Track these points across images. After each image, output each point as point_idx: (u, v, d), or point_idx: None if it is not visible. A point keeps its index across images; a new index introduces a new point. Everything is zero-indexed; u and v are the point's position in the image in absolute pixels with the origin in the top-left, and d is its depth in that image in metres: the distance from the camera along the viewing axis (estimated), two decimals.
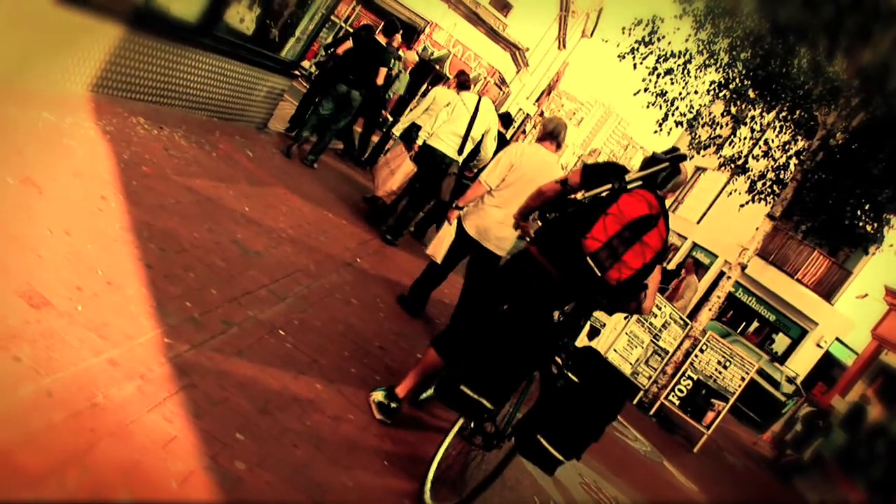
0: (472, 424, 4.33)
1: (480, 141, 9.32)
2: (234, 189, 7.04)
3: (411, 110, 11.63)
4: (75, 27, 6.00)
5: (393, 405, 4.76)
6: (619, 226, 4.02)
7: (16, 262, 3.58)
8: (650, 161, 4.39)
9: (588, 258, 4.01)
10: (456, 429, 4.45)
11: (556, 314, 4.28)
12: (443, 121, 9.27)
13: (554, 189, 4.65)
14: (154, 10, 7.29)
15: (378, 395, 4.79)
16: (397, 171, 9.50)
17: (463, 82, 11.07)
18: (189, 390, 3.60)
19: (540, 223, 4.58)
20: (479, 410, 4.02)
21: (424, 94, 11.96)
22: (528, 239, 4.84)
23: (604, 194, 4.19)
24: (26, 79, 5.87)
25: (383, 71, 10.89)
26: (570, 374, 3.93)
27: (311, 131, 10.64)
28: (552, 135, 6.62)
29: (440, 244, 7.02)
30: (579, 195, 4.31)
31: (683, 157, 4.36)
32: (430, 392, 4.99)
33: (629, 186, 4.16)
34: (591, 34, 47.38)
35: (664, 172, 4.27)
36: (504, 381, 4.04)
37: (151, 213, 5.23)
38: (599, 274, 4.02)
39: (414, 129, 10.51)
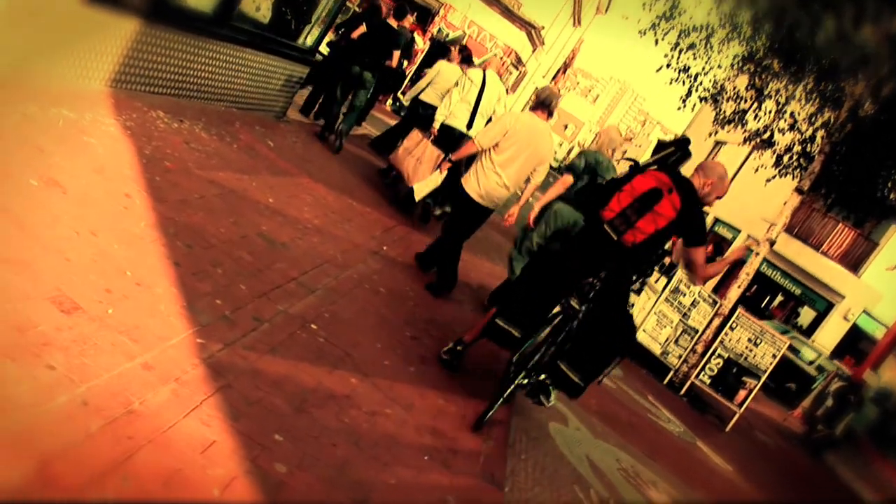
0: (514, 360, 5.18)
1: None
2: (256, 180, 6.95)
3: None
4: (91, 22, 5.92)
5: (459, 348, 5.59)
6: (630, 198, 4.84)
7: (44, 267, 3.50)
8: (658, 147, 5.17)
9: (605, 225, 4.87)
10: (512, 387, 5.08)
11: (592, 280, 5.01)
12: (457, 100, 9.51)
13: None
14: (170, 1, 7.20)
15: (447, 346, 5.63)
16: (423, 158, 9.35)
17: (466, 56, 11.15)
18: (225, 391, 3.52)
19: None
20: (510, 338, 5.05)
21: None
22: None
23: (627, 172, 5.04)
24: (44, 76, 5.79)
25: (397, 53, 10.89)
26: (585, 315, 4.92)
27: (345, 119, 10.70)
28: (544, 104, 7.03)
29: (424, 187, 7.89)
30: None
31: (688, 141, 5.11)
32: (490, 415, 5.04)
33: (644, 168, 5.00)
34: (606, 10, 46.92)
35: (674, 156, 5.03)
36: (527, 316, 5.05)
37: (176, 209, 5.15)
38: (615, 238, 4.85)
39: (421, 105, 10.73)
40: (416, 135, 9.72)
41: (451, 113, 9.68)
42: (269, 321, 4.52)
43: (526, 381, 5.09)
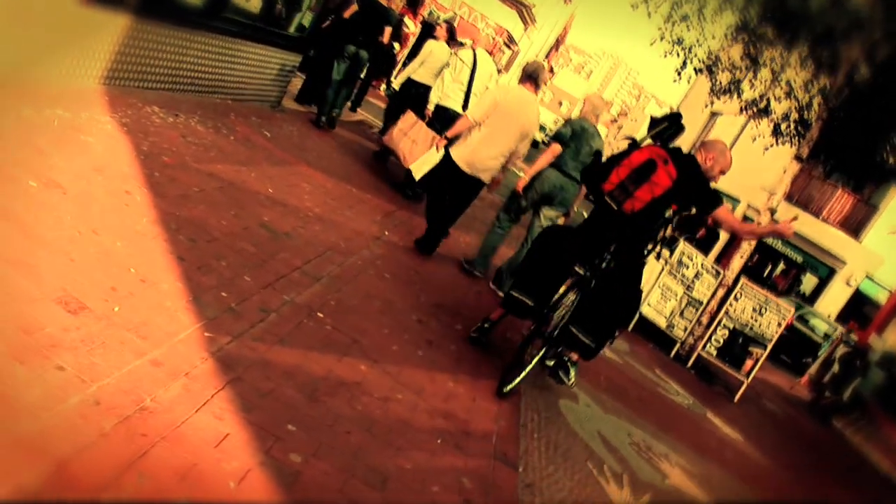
0: (533, 329, 5.53)
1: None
2: (255, 171, 6.93)
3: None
4: (82, 20, 5.89)
5: (486, 325, 6.05)
6: (628, 170, 5.24)
7: (48, 268, 3.49)
8: (652, 123, 5.61)
9: (606, 197, 5.29)
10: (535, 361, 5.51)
11: (606, 257, 5.38)
12: (449, 81, 9.65)
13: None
14: None
15: (476, 325, 6.10)
16: (419, 139, 9.33)
17: (451, 32, 11.27)
18: (235, 384, 3.51)
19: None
20: (524, 307, 5.37)
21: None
22: None
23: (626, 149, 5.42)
24: (37, 76, 5.76)
25: (388, 30, 11.14)
26: (594, 284, 5.28)
27: (335, 99, 10.83)
28: (531, 77, 7.48)
29: (422, 166, 7.88)
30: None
31: (680, 116, 5.59)
32: (514, 383, 5.41)
33: (642, 144, 5.40)
34: None
35: (668, 131, 5.49)
36: (537, 285, 5.37)
37: (177, 204, 5.13)
38: (616, 207, 5.24)
39: (413, 86, 10.79)
40: (410, 116, 9.68)
41: (445, 94, 9.78)
42: (275, 311, 4.51)
43: (551, 361, 5.60)
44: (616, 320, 5.39)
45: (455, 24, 12.51)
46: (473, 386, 5.23)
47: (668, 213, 5.55)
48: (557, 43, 45.76)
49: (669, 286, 11.04)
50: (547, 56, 44.89)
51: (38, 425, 2.61)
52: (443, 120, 9.34)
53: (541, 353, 5.52)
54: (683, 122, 5.45)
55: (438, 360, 5.32)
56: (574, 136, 7.57)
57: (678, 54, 13.07)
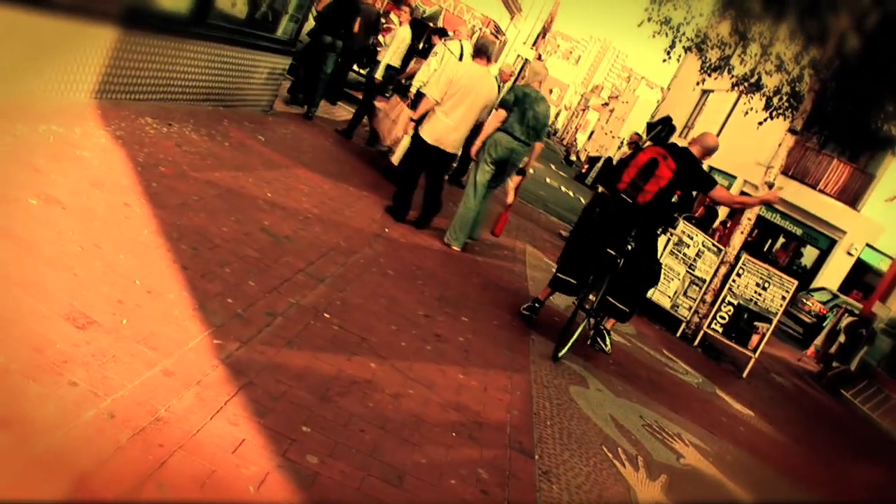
0: (577, 304, 6.81)
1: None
2: (252, 176, 6.93)
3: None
4: (69, 35, 5.87)
5: (536, 305, 7.21)
6: (635, 170, 6.57)
7: (54, 284, 3.49)
8: (649, 128, 7.19)
9: (622, 194, 6.61)
10: (580, 330, 6.87)
11: (629, 239, 6.63)
12: (434, 69, 9.75)
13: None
14: (146, 7, 7.14)
15: (527, 304, 7.26)
16: (398, 120, 10.02)
17: (412, 11, 12.34)
18: (248, 389, 3.52)
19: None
20: (570, 286, 6.92)
21: (422, 53, 11.99)
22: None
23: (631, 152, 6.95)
24: (28, 93, 5.75)
25: (358, 21, 11.77)
26: (622, 262, 6.57)
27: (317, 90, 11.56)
28: (482, 51, 8.20)
29: (400, 152, 9.35)
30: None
31: (670, 118, 7.24)
32: (566, 349, 6.59)
33: (644, 146, 6.81)
34: None
35: (662, 132, 7.00)
36: (578, 267, 6.86)
37: (177, 213, 5.13)
38: (631, 201, 6.56)
39: (388, 70, 11.73)
40: (395, 100, 10.49)
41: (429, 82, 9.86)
42: (282, 315, 4.52)
43: (592, 331, 7.37)
44: (644, 289, 6.98)
45: (442, 17, 12.66)
46: (484, 377, 5.23)
47: (674, 198, 6.88)
48: (544, 30, 45.58)
49: (672, 266, 11.04)
50: (534, 44, 44.73)
51: (54, 442, 2.61)
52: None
53: (584, 323, 6.96)
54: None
55: (447, 354, 5.33)
56: (518, 101, 8.13)
57: (666, 34, 13.04)
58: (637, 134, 6.75)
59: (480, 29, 27.55)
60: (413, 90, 10.05)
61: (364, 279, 5.92)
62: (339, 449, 3.44)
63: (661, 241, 11.10)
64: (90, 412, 2.80)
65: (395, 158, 9.68)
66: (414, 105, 9.62)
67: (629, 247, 6.60)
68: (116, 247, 4.20)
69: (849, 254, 25.18)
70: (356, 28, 11.81)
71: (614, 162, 8.38)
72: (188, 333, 3.73)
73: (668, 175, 6.47)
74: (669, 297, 11.06)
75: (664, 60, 13.55)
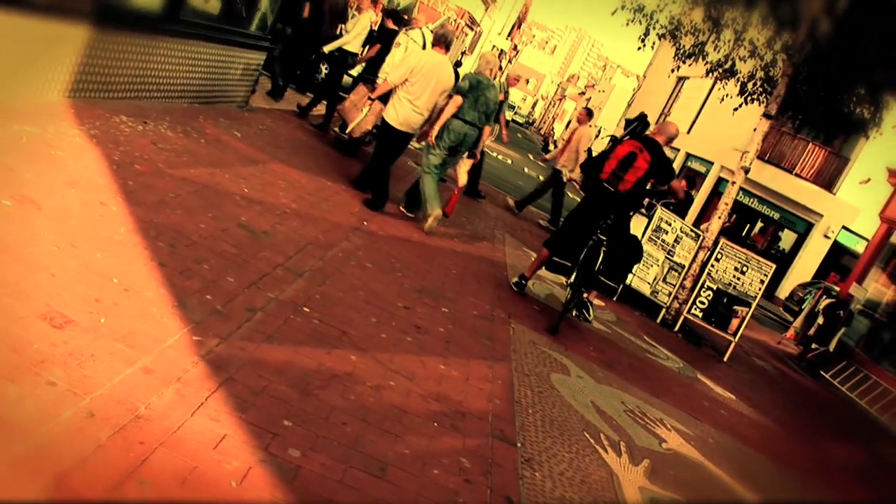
0: (569, 281, 7.97)
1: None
2: (229, 172, 6.90)
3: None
4: (41, 35, 5.82)
5: (523, 281, 8.15)
6: (616, 162, 7.56)
7: (30, 285, 3.47)
8: (627, 124, 7.91)
9: (604, 184, 7.61)
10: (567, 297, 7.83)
11: (606, 221, 7.56)
12: (399, 59, 10.18)
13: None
14: (118, 4, 7.09)
15: (514, 279, 8.27)
16: (359, 105, 10.66)
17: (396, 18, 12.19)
18: (228, 385, 3.52)
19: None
20: (565, 267, 7.94)
21: (379, 40, 12.07)
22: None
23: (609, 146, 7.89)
24: (0, 93, 5.71)
25: (308, 6, 12.04)
26: (607, 243, 7.43)
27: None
28: (441, 40, 8.78)
29: (357, 126, 10.31)
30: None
31: (645, 115, 7.99)
32: (560, 322, 7.54)
33: (622, 140, 7.72)
34: None
35: (638, 128, 7.74)
36: (570, 250, 7.84)
37: (153, 211, 5.11)
38: (613, 190, 7.56)
39: (350, 56, 11.94)
40: (361, 89, 10.96)
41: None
42: (261, 310, 4.51)
43: (574, 304, 7.69)
44: (630, 266, 7.89)
45: (416, 9, 12.68)
46: (465, 367, 5.25)
47: (648, 186, 7.87)
48: (519, 21, 45.69)
49: (651, 253, 11.10)
50: (510, 34, 44.83)
51: (34, 442, 2.60)
52: (388, 95, 9.59)
53: (572, 297, 7.64)
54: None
55: (428, 345, 5.35)
56: (472, 88, 8.69)
57: (640, 22, 13.06)
58: (613, 136, 7.88)
59: (456, 21, 27.55)
60: (380, 80, 10.48)
61: (343, 272, 5.92)
62: (321, 442, 3.45)
63: (638, 222, 11.26)
64: (69, 411, 2.80)
65: (350, 129, 10.51)
66: (383, 99, 9.78)
67: (610, 228, 7.52)
68: (93, 246, 4.18)
69: (826, 237, 25.37)
70: (305, 13, 12.06)
71: (594, 153, 9.12)
72: (167, 330, 3.73)
73: (645, 166, 7.48)
74: (649, 283, 11.11)
75: (639, 48, 13.58)
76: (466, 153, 9.24)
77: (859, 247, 23.87)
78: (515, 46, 45.56)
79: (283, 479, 3.06)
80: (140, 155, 6.05)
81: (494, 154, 24.99)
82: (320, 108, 12.50)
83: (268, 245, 5.63)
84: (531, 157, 39.53)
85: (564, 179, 13.82)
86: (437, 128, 8.68)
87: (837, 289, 18.68)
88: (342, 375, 4.23)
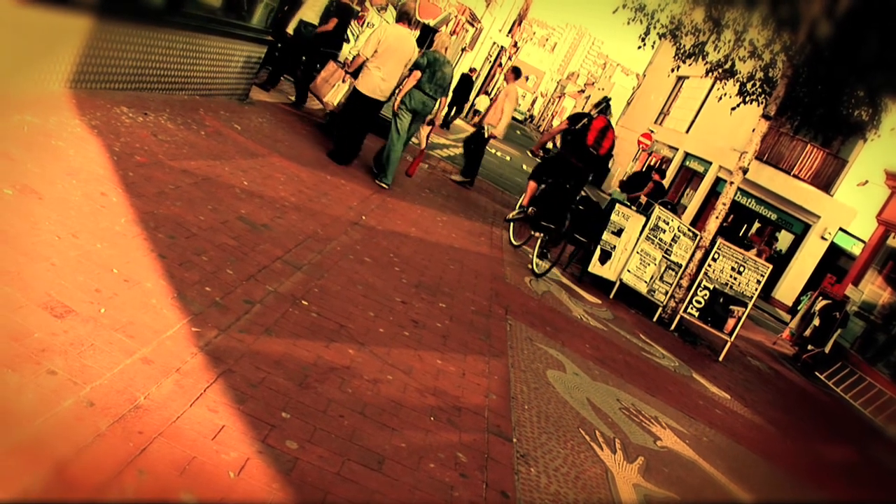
0: (545, 238, 9.88)
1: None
2: (229, 165, 6.92)
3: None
4: (44, 25, 5.83)
5: (523, 212, 10.20)
6: (595, 133, 9.73)
7: (31, 274, 3.49)
8: (597, 104, 10.05)
9: (590, 148, 9.78)
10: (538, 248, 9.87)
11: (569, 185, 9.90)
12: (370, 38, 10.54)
13: (559, 129, 10.45)
14: None
15: (513, 214, 10.70)
16: (332, 80, 11.21)
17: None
18: (227, 377, 3.54)
19: (559, 145, 10.55)
20: (549, 229, 9.77)
21: (336, 14, 12.23)
22: (546, 153, 10.84)
23: (585, 121, 10.02)
24: (2, 84, 5.71)
25: (334, 21, 12.08)
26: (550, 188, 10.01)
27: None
28: (404, 16, 10.13)
29: (334, 96, 11.12)
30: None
31: (608, 98, 10.37)
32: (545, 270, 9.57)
33: (594, 116, 9.88)
34: None
35: (606, 108, 10.04)
36: (554, 214, 9.77)
37: (154, 203, 5.13)
38: (595, 153, 9.78)
39: (303, 26, 11.93)
40: (331, 66, 11.39)
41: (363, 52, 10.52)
42: (260, 302, 4.53)
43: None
44: (565, 211, 9.89)
45: (417, 5, 12.64)
46: (462, 362, 5.28)
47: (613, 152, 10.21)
48: (520, 18, 45.59)
49: (648, 251, 11.13)
50: (510, 31, 44.77)
51: (34, 430, 2.62)
52: (360, 70, 10.22)
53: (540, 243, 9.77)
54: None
55: (425, 339, 5.37)
56: (429, 64, 9.97)
57: (641, 21, 13.08)
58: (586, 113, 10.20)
59: (457, 17, 27.53)
60: (350, 58, 11.67)
61: (341, 266, 5.94)
62: (319, 434, 3.47)
63: (633, 235, 11.31)
64: (69, 400, 2.81)
65: (329, 101, 11.24)
66: (355, 72, 10.40)
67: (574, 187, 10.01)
68: (93, 236, 4.19)
69: (823, 238, 25.41)
70: (330, 26, 12.06)
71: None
72: (166, 321, 3.74)
73: (613, 136, 10.02)
74: (646, 281, 11.14)
75: (639, 47, 13.59)
76: (426, 119, 10.48)
77: (856, 248, 23.94)
78: (516, 43, 45.49)
79: (280, 471, 3.08)
80: (140, 146, 6.06)
81: (493, 150, 25.01)
82: (317, 105, 12.51)
83: (267, 238, 5.65)
84: (529, 154, 39.53)
85: (486, 135, 14.14)
86: (400, 97, 9.96)
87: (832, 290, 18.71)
88: (340, 368, 4.25)
